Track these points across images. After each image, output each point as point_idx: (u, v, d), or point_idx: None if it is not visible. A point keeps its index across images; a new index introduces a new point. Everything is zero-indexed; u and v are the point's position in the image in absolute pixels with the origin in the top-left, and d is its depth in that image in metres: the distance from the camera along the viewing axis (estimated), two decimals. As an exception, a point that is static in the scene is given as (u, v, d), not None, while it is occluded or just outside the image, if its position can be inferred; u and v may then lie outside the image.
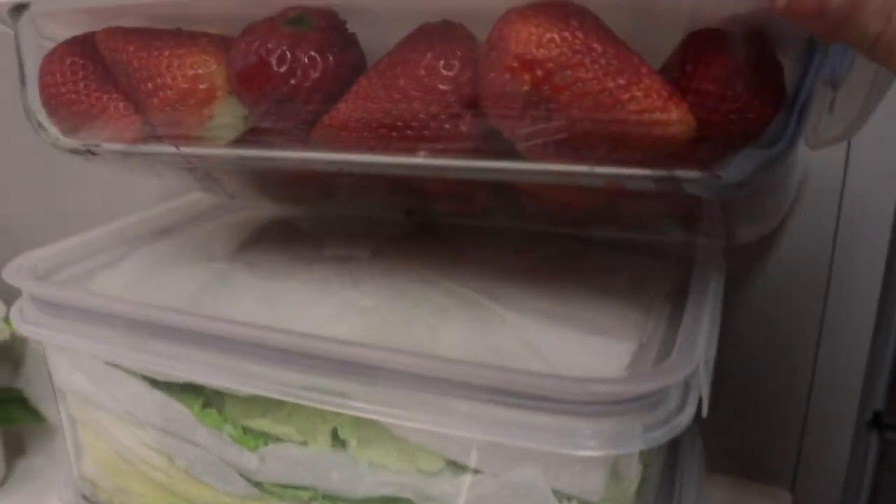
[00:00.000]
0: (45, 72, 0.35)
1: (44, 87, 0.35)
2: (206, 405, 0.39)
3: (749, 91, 0.27)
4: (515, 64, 0.26)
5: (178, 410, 0.39)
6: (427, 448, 0.35)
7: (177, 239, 0.52)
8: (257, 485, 0.39)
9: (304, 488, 0.38)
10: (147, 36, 0.33)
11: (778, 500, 0.57)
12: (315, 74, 0.29)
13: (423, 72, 0.28)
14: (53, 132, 0.37)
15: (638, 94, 0.26)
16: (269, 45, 0.29)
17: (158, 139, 0.34)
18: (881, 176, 0.49)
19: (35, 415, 0.61)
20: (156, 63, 0.32)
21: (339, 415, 0.35)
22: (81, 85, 0.34)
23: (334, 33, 0.31)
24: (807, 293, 0.53)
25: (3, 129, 0.62)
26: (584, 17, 0.26)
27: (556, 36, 0.25)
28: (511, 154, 0.29)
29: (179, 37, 0.33)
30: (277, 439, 0.38)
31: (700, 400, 0.32)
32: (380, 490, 0.36)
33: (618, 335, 0.37)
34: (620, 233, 0.48)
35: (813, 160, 0.49)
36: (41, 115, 0.37)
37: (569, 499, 0.32)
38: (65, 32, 0.36)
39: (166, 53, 0.32)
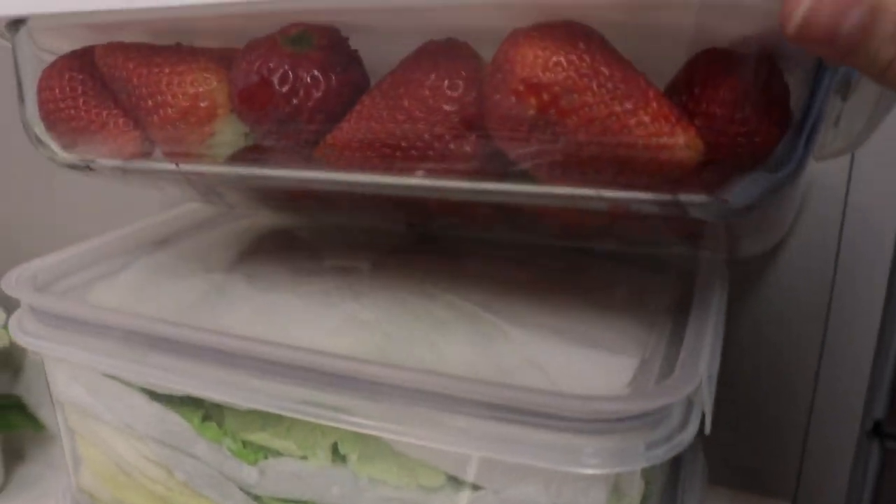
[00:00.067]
0: (43, 87, 0.35)
1: (42, 103, 0.35)
2: (205, 418, 0.39)
3: (757, 114, 0.26)
4: (521, 87, 0.25)
5: (178, 423, 0.39)
6: (428, 463, 0.34)
7: (176, 249, 0.51)
8: (257, 499, 0.38)
9: (304, 503, 0.37)
10: (146, 52, 0.32)
11: (780, 511, 0.57)
12: (318, 94, 0.29)
13: (427, 92, 0.28)
14: (52, 147, 0.36)
15: (645, 118, 0.25)
16: (271, 65, 0.29)
17: (158, 155, 0.33)
18: (883, 194, 0.48)
19: (34, 422, 0.61)
20: (156, 80, 0.31)
21: (339, 429, 0.35)
22: (80, 100, 0.34)
23: (336, 51, 0.30)
24: (809, 306, 0.53)
25: (2, 138, 0.61)
26: (591, 39, 0.25)
27: (562, 59, 0.25)
28: (515, 175, 0.28)
29: (179, 53, 0.32)
30: (277, 453, 0.37)
31: (703, 416, 0.32)
32: (380, 505, 0.35)
33: (620, 350, 0.36)
34: (622, 247, 0.47)
35: (816, 170, 0.49)
36: (39, 129, 0.36)
37: (570, 515, 0.32)
38: (63, 46, 0.36)
39: (166, 70, 0.31)
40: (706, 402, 0.32)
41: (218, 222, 0.57)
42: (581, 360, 0.36)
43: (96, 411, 0.41)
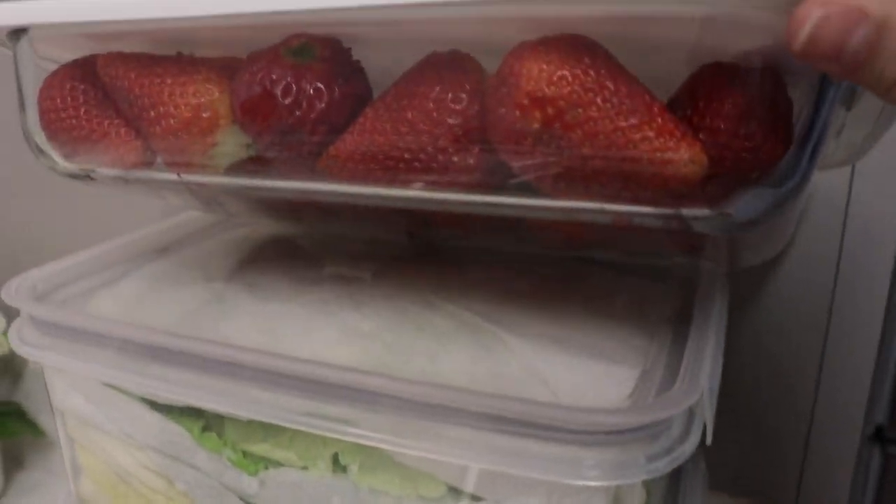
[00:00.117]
0: (44, 96, 0.34)
1: (43, 112, 0.34)
2: (205, 428, 0.38)
3: (762, 128, 0.26)
4: (526, 101, 0.25)
5: (178, 433, 0.38)
6: (428, 474, 0.34)
7: (176, 257, 0.51)
8: (257, 509, 0.38)
9: (305, 513, 0.37)
10: (148, 62, 0.32)
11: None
12: (321, 105, 0.28)
13: (431, 105, 0.27)
14: (53, 156, 0.36)
15: (650, 133, 0.25)
16: (274, 76, 0.28)
17: (160, 165, 0.33)
18: (884, 204, 0.48)
19: (34, 428, 0.60)
20: (158, 91, 0.31)
21: (340, 440, 0.34)
22: (82, 110, 0.33)
23: (339, 62, 0.30)
24: (809, 315, 0.52)
25: (2, 147, 0.61)
26: (596, 54, 0.25)
27: (567, 73, 0.24)
28: (519, 187, 0.28)
29: (181, 63, 0.32)
30: (278, 464, 0.37)
31: (704, 427, 0.31)
32: (380, 516, 0.35)
33: (621, 361, 0.36)
34: (623, 257, 0.47)
35: (817, 180, 0.49)
36: (40, 138, 0.35)
37: (571, 527, 0.32)
38: (65, 55, 0.35)
39: (168, 81, 0.30)
40: (707, 413, 0.31)
41: (218, 230, 0.56)
42: (582, 371, 0.35)
43: (96, 421, 0.41)
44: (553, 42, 0.25)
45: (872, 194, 0.48)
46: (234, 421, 0.37)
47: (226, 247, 0.53)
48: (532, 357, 0.37)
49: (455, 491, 0.34)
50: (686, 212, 0.27)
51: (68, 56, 0.35)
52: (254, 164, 0.32)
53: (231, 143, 0.31)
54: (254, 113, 0.29)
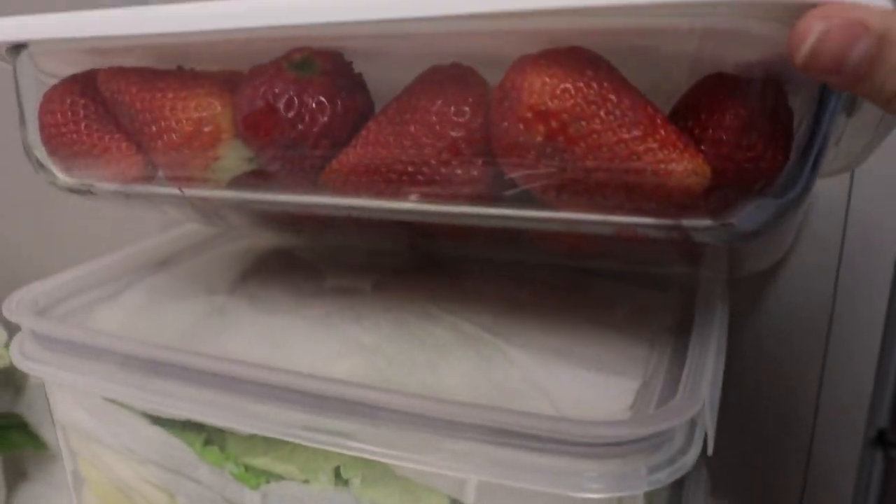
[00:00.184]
0: (45, 111, 0.34)
1: (44, 127, 0.34)
2: (207, 442, 0.38)
3: (763, 139, 0.25)
4: (529, 115, 0.24)
5: (180, 448, 0.37)
6: (430, 487, 0.33)
7: (177, 270, 0.50)
8: (259, 523, 0.37)
9: (307, 527, 0.36)
10: (149, 77, 0.31)
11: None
12: (323, 119, 0.28)
13: (434, 118, 0.27)
14: (53, 171, 0.35)
15: (654, 145, 0.24)
16: (277, 90, 0.28)
17: (162, 180, 0.32)
18: (883, 208, 0.48)
19: (36, 440, 0.59)
20: (159, 105, 0.30)
21: (341, 453, 0.34)
22: (83, 125, 0.32)
23: (341, 76, 0.29)
24: (810, 320, 0.52)
25: (2, 159, 0.60)
26: (598, 66, 0.25)
27: (570, 86, 0.24)
28: (522, 199, 0.27)
29: (182, 78, 0.31)
30: (280, 477, 0.36)
31: (705, 437, 0.31)
32: (383, 529, 0.34)
33: (621, 372, 0.35)
34: (624, 266, 0.47)
35: (817, 187, 0.48)
36: (41, 153, 0.35)
37: (572, 538, 0.31)
38: (65, 69, 0.34)
39: (170, 96, 0.30)
40: (708, 424, 0.31)
41: (219, 242, 0.56)
42: (583, 383, 0.35)
43: (98, 435, 0.40)
44: (555, 55, 0.25)
45: (872, 200, 0.48)
46: (236, 434, 0.36)
47: (226, 259, 0.52)
48: (533, 369, 0.36)
49: None
50: (688, 222, 0.27)
51: (68, 70, 0.35)
52: (256, 177, 0.31)
53: (233, 157, 0.31)
54: (256, 127, 0.29)
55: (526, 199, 0.28)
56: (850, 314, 0.50)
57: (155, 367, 0.35)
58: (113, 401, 0.39)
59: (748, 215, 0.26)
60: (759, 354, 0.54)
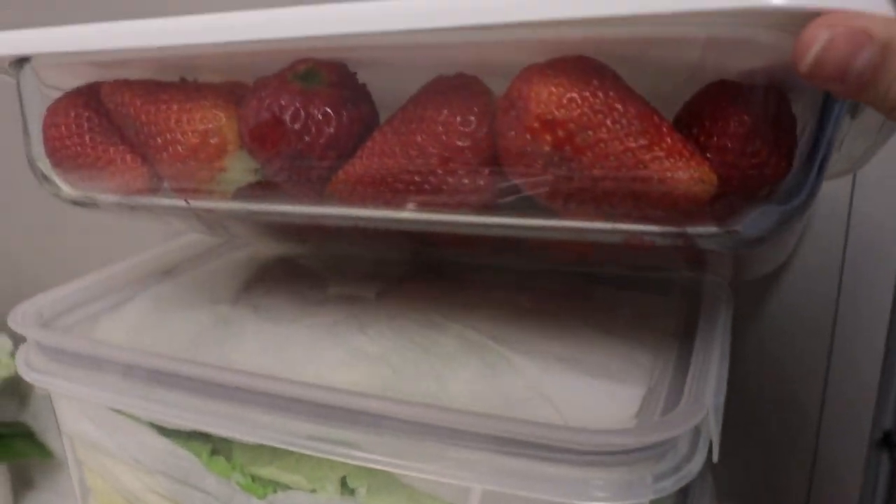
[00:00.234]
0: (49, 124, 0.33)
1: (48, 140, 0.33)
2: (214, 452, 0.37)
3: (768, 146, 0.25)
4: (536, 124, 0.24)
5: (186, 458, 0.37)
6: (436, 496, 0.33)
7: (181, 280, 0.50)
8: (266, 532, 0.37)
9: (314, 535, 0.36)
10: (153, 89, 0.31)
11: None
12: (329, 130, 0.27)
13: (440, 128, 0.26)
14: (57, 183, 0.35)
15: (660, 154, 0.24)
16: (283, 102, 0.27)
17: (167, 191, 0.32)
18: (886, 209, 0.48)
19: (42, 449, 0.59)
20: (164, 118, 0.30)
21: (347, 463, 0.33)
22: (87, 137, 0.32)
23: (346, 87, 0.29)
24: (814, 322, 0.52)
25: (6, 170, 0.60)
26: (604, 75, 0.24)
27: (576, 96, 0.24)
28: (529, 208, 0.27)
29: (186, 90, 0.31)
30: (286, 487, 0.36)
31: (710, 444, 0.31)
32: (389, 538, 0.34)
33: (626, 380, 0.35)
34: (627, 271, 0.46)
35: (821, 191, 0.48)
36: (45, 166, 0.34)
37: (577, 546, 0.31)
38: (68, 82, 0.34)
39: (174, 108, 0.30)
40: (713, 431, 0.31)
41: (223, 251, 0.55)
42: (587, 391, 0.35)
43: (105, 445, 0.40)
44: (561, 65, 0.25)
45: (874, 202, 0.48)
46: (243, 444, 0.36)
47: (230, 268, 0.52)
48: (538, 377, 0.36)
49: (463, 511, 0.33)
50: (693, 230, 0.26)
51: (71, 82, 0.34)
52: (261, 188, 0.31)
53: (239, 168, 0.30)
54: (263, 139, 0.28)
55: (532, 208, 0.27)
56: (853, 316, 0.50)
57: (159, 378, 0.35)
58: (119, 411, 0.38)
59: (753, 222, 0.26)
60: (763, 357, 0.53)
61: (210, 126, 0.29)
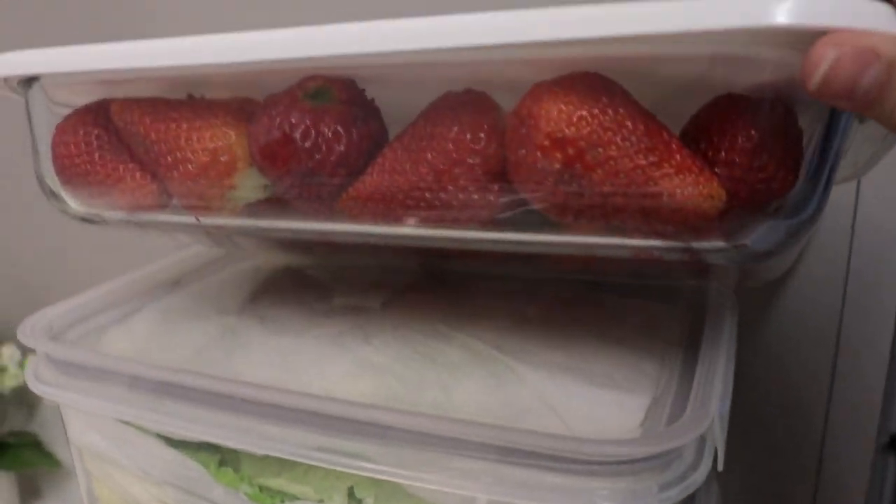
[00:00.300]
0: (58, 142, 0.33)
1: (57, 158, 0.33)
2: (222, 464, 0.37)
3: (775, 160, 0.25)
4: (546, 142, 0.24)
5: (195, 469, 0.37)
6: (444, 506, 0.33)
7: (188, 291, 0.49)
8: (275, 543, 0.36)
9: (322, 547, 0.35)
10: (162, 107, 0.30)
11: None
12: (340, 148, 0.27)
13: (450, 146, 0.26)
14: (65, 200, 0.34)
15: (670, 170, 0.24)
16: (293, 120, 0.27)
17: (176, 208, 0.32)
18: (890, 210, 0.47)
19: (50, 459, 0.58)
20: (174, 136, 0.29)
21: (355, 473, 0.33)
22: (96, 155, 0.32)
23: (356, 104, 0.28)
24: (820, 327, 0.51)
25: (16, 186, 0.59)
26: (613, 92, 0.24)
27: (586, 113, 0.23)
28: (539, 223, 0.27)
29: (195, 107, 0.30)
30: (294, 498, 0.35)
31: (716, 453, 0.30)
32: (397, 548, 0.34)
33: (631, 389, 0.35)
34: (633, 279, 0.46)
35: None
36: (53, 183, 0.34)
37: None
38: (77, 100, 0.34)
39: (184, 126, 0.29)
40: (718, 439, 0.30)
41: (229, 262, 0.55)
42: (593, 400, 0.34)
43: (113, 457, 0.39)
44: (570, 82, 0.24)
45: (878, 208, 0.47)
46: (250, 455, 0.36)
47: (237, 279, 0.52)
48: (543, 387, 0.35)
49: (471, 521, 0.32)
50: (702, 245, 0.26)
51: (79, 100, 0.34)
52: (271, 204, 0.31)
53: (249, 185, 0.30)
54: (273, 157, 0.28)
55: (540, 223, 0.27)
56: (858, 323, 0.50)
57: (167, 390, 0.35)
58: (127, 423, 0.38)
59: (761, 236, 0.26)
60: (769, 364, 0.53)
61: (220, 144, 0.29)
